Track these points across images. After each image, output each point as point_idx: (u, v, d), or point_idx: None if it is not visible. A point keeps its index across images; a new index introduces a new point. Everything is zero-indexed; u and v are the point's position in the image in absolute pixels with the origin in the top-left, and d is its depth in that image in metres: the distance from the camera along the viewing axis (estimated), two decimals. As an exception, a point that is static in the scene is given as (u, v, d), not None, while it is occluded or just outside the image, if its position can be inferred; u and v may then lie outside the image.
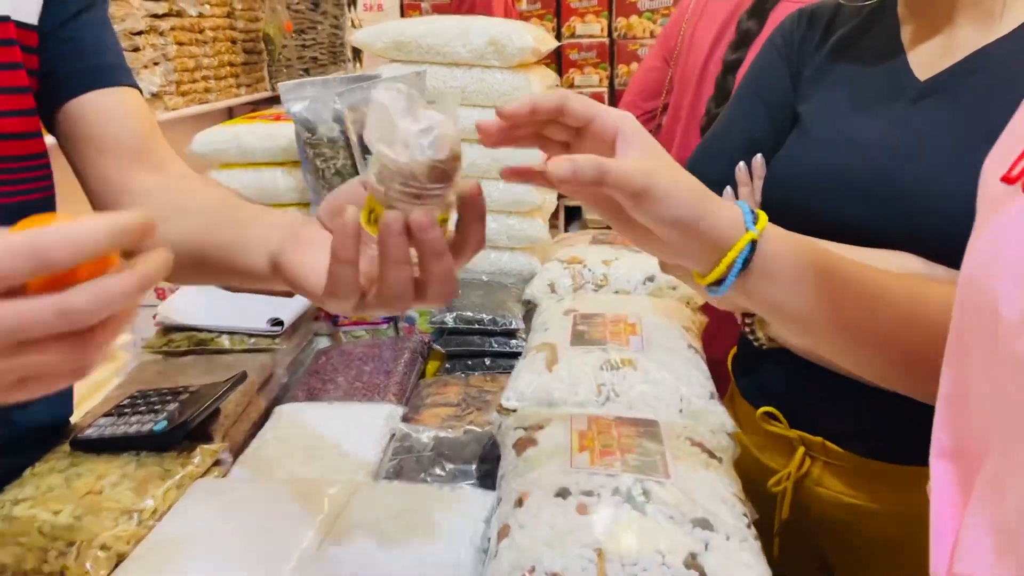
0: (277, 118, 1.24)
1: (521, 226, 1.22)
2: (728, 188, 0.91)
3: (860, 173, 0.79)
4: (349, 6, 3.39)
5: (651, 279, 1.14)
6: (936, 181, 0.74)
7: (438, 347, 1.08)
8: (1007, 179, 0.43)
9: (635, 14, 3.85)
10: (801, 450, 0.88)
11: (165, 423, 0.77)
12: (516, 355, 1.05)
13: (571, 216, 3.77)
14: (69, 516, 0.68)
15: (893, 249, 0.77)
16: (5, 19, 0.72)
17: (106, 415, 0.82)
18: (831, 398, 0.85)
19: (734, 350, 1.09)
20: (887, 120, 0.79)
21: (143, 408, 0.82)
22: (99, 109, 0.78)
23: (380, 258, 0.48)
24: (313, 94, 1.10)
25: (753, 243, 0.53)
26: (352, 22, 3.40)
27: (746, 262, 0.54)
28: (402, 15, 3.97)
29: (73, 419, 0.89)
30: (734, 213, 0.54)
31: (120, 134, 0.78)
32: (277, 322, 1.04)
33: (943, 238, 0.75)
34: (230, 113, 2.88)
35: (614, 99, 3.93)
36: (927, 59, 0.79)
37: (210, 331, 1.04)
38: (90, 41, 0.79)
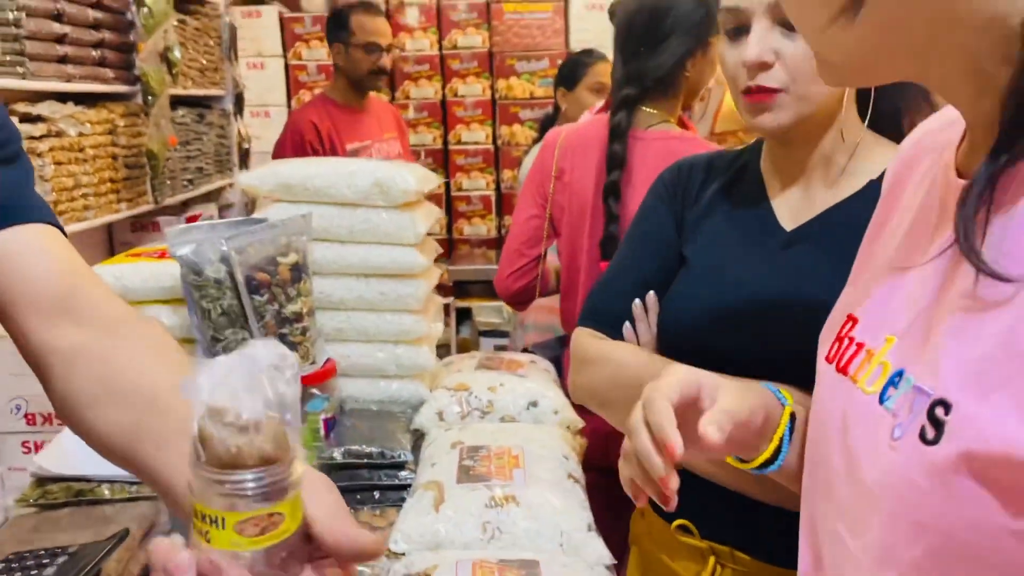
0: (162, 255, 1.25)
1: (408, 355, 1.26)
2: (627, 323, 0.99)
3: (740, 309, 0.89)
4: (235, 115, 3.42)
5: (534, 404, 1.21)
6: (801, 320, 0.85)
7: (327, 482, 1.09)
8: (827, 359, 0.54)
9: (517, 123, 4.06)
10: (712, 559, 0.94)
11: (41, 593, 0.76)
12: (405, 487, 1.08)
13: (462, 317, 3.84)
14: None
15: (774, 381, 0.86)
16: None
17: (-24, 586, 0.79)
18: (735, 510, 0.92)
19: None
20: (761, 262, 0.90)
21: (17, 574, 0.80)
22: (11, 251, 0.66)
23: None
24: (200, 237, 1.12)
25: (793, 416, 0.62)
26: (239, 131, 3.43)
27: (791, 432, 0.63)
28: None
29: None
30: (765, 395, 0.64)
31: (49, 277, 0.67)
32: (161, 468, 1.02)
33: (811, 372, 0.85)
34: (109, 229, 2.83)
35: (501, 200, 4.10)
36: (790, 211, 0.91)
37: (89, 480, 1.02)
38: (5, 182, 0.68)
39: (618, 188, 1.49)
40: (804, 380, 0.84)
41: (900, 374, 0.47)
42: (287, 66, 4.00)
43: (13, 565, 0.82)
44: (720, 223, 0.97)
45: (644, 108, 1.50)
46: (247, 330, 1.13)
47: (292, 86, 4.02)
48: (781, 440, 0.64)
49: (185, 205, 3.00)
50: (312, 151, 2.59)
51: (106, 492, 1.01)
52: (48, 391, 0.67)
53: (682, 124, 1.60)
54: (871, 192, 0.87)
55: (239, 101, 3.44)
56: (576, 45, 3.87)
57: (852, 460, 0.49)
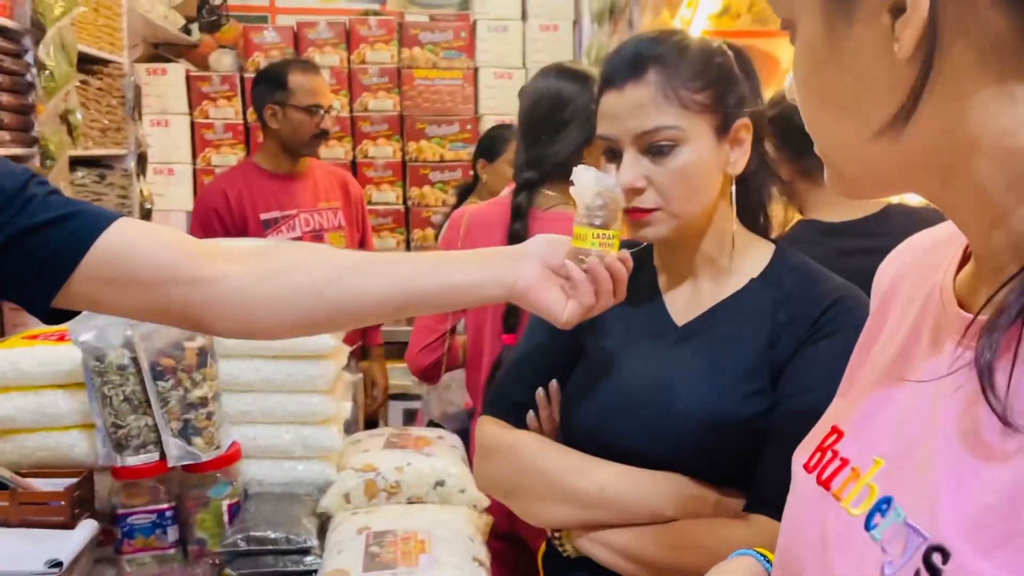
0: (60, 338, 1.22)
1: (316, 436, 1.27)
2: (531, 412, 1.03)
3: (634, 402, 0.94)
4: (138, 175, 3.35)
5: (441, 483, 1.23)
6: (694, 411, 0.91)
7: (229, 571, 1.08)
8: (806, 467, 0.54)
9: (427, 184, 4.13)
10: None
11: None
12: (311, 573, 1.08)
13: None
14: None
15: (667, 471, 0.91)
16: None
17: None
18: None
19: (543, 547, 1.18)
20: (653, 357, 0.96)
21: None
22: (129, 238, 0.77)
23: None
24: (102, 323, 1.11)
25: None
26: (141, 190, 3.36)
27: None
28: (194, 180, 3.97)
29: None
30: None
31: (170, 244, 0.79)
32: (55, 563, 1.00)
33: (706, 461, 0.91)
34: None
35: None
36: (682, 306, 0.98)
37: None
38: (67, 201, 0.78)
39: None
40: (701, 474, 0.90)
41: (888, 502, 0.45)
42: (192, 124, 3.95)
43: None
44: (617, 315, 1.03)
45: (544, 191, 1.58)
46: (149, 416, 1.12)
47: (197, 144, 3.96)
48: None
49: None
50: (218, 221, 2.48)
51: (-6, 592, 0.97)
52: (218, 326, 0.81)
53: None
54: (751, 290, 0.95)
55: (142, 160, 3.38)
56: (484, 111, 3.98)
57: None
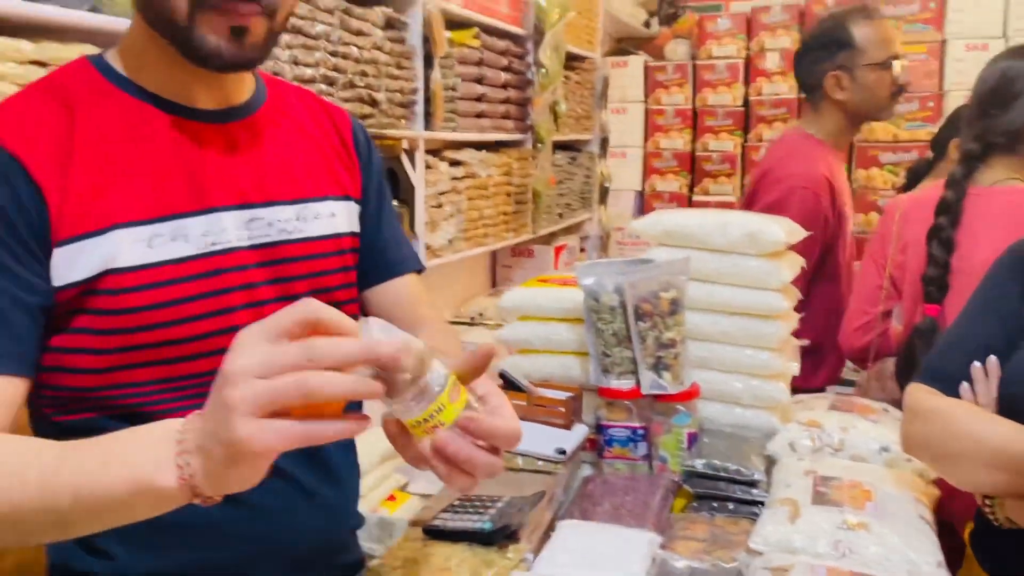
0: (563, 283, 1.54)
1: (764, 388, 1.40)
2: (964, 384, 1.05)
3: None
4: (600, 156, 3.80)
5: (886, 449, 1.28)
6: None
7: (687, 487, 1.28)
8: None
9: (875, 166, 3.93)
10: None
11: (491, 524, 1.04)
12: (757, 503, 1.22)
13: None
14: (430, 584, 0.95)
15: None
16: (352, 234, 1.02)
17: (444, 511, 1.11)
18: None
19: (970, 525, 1.18)
20: None
21: (471, 509, 1.10)
22: (388, 293, 1.08)
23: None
24: (599, 272, 1.38)
25: None
26: (601, 171, 3.80)
27: None
28: (644, 163, 4.34)
29: None
30: None
31: (402, 311, 1.07)
32: (561, 451, 1.30)
33: None
34: (494, 253, 3.33)
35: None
36: None
37: (508, 452, 1.31)
38: (387, 238, 1.09)
39: (944, 234, 1.52)
40: None
41: None
42: (646, 111, 4.33)
43: (463, 505, 1.12)
44: None
45: (989, 166, 1.51)
46: (630, 350, 1.37)
47: (649, 129, 4.34)
48: None
49: (551, 236, 3.42)
50: (824, 219, 1.94)
51: (519, 462, 1.30)
52: None
53: None
54: None
55: (604, 144, 3.82)
56: (950, 86, 3.66)
57: None
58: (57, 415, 0.85)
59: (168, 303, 0.84)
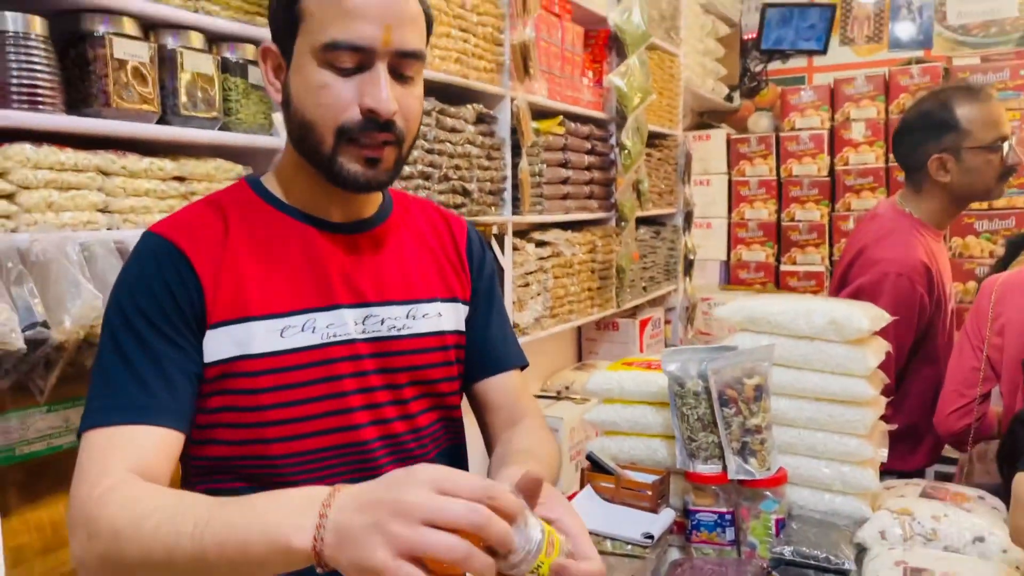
0: (648, 366, 1.59)
1: (853, 474, 1.40)
2: None
3: None
4: (684, 230, 3.84)
5: (980, 539, 1.26)
6: None
7: (776, 574, 1.29)
8: None
9: (971, 233, 3.84)
10: None
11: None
12: (847, 593, 1.22)
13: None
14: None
15: None
16: (456, 332, 1.14)
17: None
18: None
19: None
20: None
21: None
22: (493, 386, 1.19)
23: None
24: (684, 357, 1.43)
25: None
26: (686, 243, 3.84)
27: None
28: (728, 233, 4.36)
29: None
30: None
31: (504, 404, 1.19)
32: (648, 535, 1.33)
33: None
34: (579, 330, 3.39)
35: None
36: None
37: (596, 535, 1.36)
38: (494, 336, 1.20)
39: None
40: None
41: None
42: (730, 182, 4.36)
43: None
44: None
45: None
46: (716, 435, 1.40)
47: (734, 199, 4.36)
48: None
49: (636, 308, 3.46)
50: (920, 305, 1.90)
51: (608, 546, 1.34)
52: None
53: None
54: None
55: (688, 217, 3.87)
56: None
57: None
58: (202, 483, 0.98)
59: (292, 385, 0.97)
